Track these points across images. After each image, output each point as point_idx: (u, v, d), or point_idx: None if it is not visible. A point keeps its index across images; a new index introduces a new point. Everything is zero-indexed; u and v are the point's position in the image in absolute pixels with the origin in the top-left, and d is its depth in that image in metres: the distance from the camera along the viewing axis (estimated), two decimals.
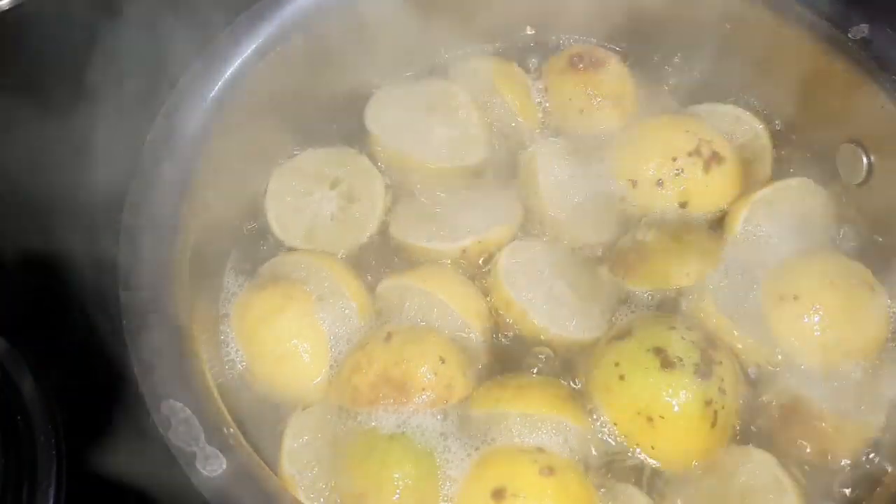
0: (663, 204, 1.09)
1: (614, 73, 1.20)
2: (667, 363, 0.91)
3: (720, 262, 1.05)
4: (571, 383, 0.99)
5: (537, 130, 1.19)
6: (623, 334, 0.96)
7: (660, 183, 1.09)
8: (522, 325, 1.02)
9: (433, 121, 1.17)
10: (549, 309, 1.02)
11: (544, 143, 1.16)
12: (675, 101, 1.23)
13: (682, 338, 0.93)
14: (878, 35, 1.04)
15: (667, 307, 1.03)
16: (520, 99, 1.19)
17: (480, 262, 1.08)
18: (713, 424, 0.91)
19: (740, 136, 1.17)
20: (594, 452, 0.94)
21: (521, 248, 1.07)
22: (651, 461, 0.94)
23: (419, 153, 1.14)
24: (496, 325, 1.05)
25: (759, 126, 1.17)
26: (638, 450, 0.94)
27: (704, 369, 0.91)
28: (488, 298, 1.05)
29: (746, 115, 1.18)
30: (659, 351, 0.92)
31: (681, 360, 0.91)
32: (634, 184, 1.10)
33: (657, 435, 0.92)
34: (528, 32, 1.29)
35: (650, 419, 0.91)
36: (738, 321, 1.00)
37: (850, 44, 1.05)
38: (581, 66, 1.20)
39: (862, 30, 1.04)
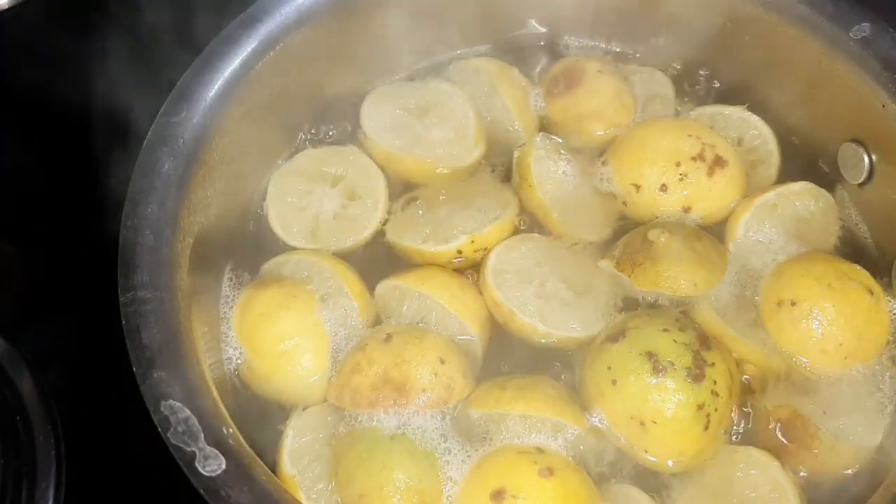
0: (666, 208, 1.09)
1: (590, 90, 1.18)
2: (658, 368, 0.90)
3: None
4: (571, 383, 0.99)
5: (536, 136, 1.18)
6: (616, 336, 0.95)
7: (663, 188, 1.08)
8: (512, 324, 1.02)
9: (429, 121, 1.17)
10: (540, 307, 1.02)
11: (542, 136, 1.15)
12: (677, 103, 1.23)
13: (675, 341, 0.92)
14: (880, 34, 1.04)
15: (664, 304, 1.03)
16: (517, 104, 1.19)
17: (479, 261, 1.07)
18: (706, 427, 0.91)
19: (747, 140, 1.16)
20: (594, 453, 0.94)
21: (513, 246, 1.07)
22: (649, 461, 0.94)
23: (414, 154, 1.14)
24: (494, 325, 1.04)
25: (766, 129, 1.16)
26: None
27: (696, 372, 0.90)
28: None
29: (753, 118, 1.17)
30: (650, 355, 0.91)
31: (672, 364, 0.91)
32: (638, 188, 1.09)
33: (650, 439, 0.92)
34: (532, 33, 1.29)
35: (643, 424, 0.91)
36: (738, 326, 1.00)
37: (851, 43, 1.05)
38: (556, 91, 1.20)
39: (863, 29, 1.04)
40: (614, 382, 0.92)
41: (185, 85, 1.01)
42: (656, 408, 0.90)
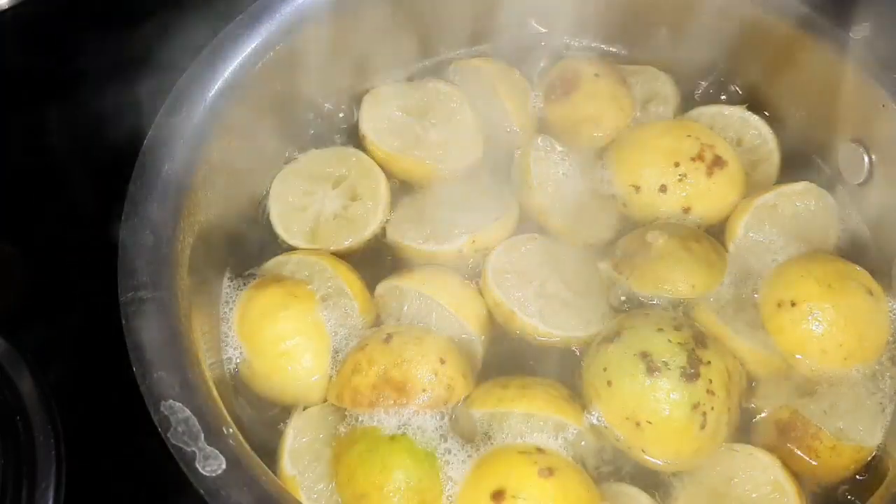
0: (666, 209, 1.09)
1: (587, 94, 1.18)
2: (652, 368, 0.90)
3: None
4: (571, 383, 0.99)
5: (536, 137, 1.17)
6: (612, 337, 0.95)
7: (663, 189, 1.08)
8: (513, 324, 1.02)
9: (428, 122, 1.17)
10: (540, 307, 1.02)
11: (542, 138, 1.15)
12: (677, 103, 1.22)
13: (669, 340, 0.92)
14: (880, 34, 1.04)
15: (663, 305, 1.03)
16: (517, 105, 1.19)
17: (480, 261, 1.07)
18: (702, 426, 0.90)
19: (747, 140, 1.16)
20: (594, 452, 0.94)
21: (513, 247, 1.07)
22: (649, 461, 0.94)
23: (414, 155, 1.14)
24: (494, 325, 1.04)
25: (766, 129, 1.16)
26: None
27: (691, 372, 0.90)
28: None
29: (753, 118, 1.17)
30: (644, 356, 0.91)
31: (666, 364, 0.90)
32: (637, 189, 1.09)
33: (646, 439, 0.92)
34: (532, 33, 1.29)
35: (638, 424, 0.91)
36: (738, 327, 0.99)
37: (851, 43, 1.05)
38: (553, 96, 1.20)
39: (864, 29, 1.04)
40: (610, 384, 0.92)
41: (184, 85, 1.02)
42: (651, 408, 0.90)
